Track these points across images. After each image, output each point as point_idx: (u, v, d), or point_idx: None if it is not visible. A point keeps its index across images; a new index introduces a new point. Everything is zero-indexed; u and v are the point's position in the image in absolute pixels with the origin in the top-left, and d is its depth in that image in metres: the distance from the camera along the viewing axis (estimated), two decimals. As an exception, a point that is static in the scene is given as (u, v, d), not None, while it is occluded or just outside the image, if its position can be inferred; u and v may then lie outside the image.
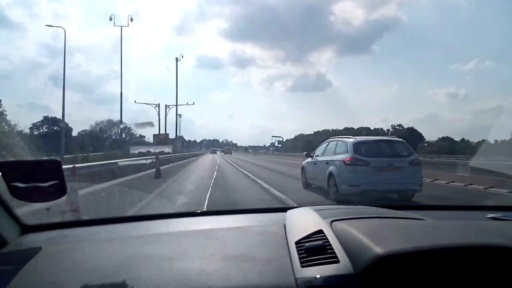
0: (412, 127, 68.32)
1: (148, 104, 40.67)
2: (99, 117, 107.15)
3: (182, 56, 38.92)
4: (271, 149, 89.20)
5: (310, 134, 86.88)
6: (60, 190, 1.27)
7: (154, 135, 37.66)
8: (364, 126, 76.61)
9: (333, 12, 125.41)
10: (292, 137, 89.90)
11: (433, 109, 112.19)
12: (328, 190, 8.34)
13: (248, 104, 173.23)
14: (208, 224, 1.56)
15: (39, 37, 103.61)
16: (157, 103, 36.35)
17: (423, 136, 64.61)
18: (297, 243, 1.09)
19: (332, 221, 1.16)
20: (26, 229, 1.40)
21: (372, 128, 75.31)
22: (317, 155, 9.76)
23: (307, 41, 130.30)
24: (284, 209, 1.59)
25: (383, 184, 7.61)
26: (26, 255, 1.15)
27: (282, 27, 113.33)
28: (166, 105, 38.23)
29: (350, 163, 7.77)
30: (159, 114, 34.80)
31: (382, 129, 73.50)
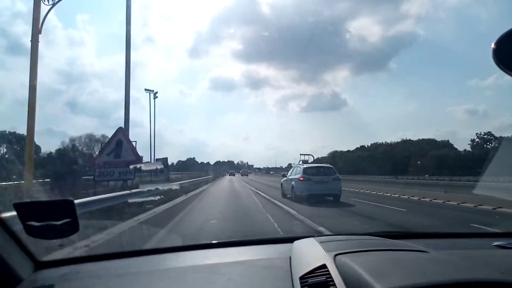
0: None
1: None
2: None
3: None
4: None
5: (350, 150, 72.25)
6: (72, 227, 1.31)
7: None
8: (427, 137, 65.47)
9: (349, 30, 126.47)
10: (324, 155, 77.87)
11: (451, 126, 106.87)
12: (291, 196, 14.66)
13: (263, 125, 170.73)
14: (215, 257, 1.59)
15: (55, 64, 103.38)
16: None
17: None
18: (301, 278, 1.13)
19: (335, 255, 1.18)
20: (40, 265, 1.44)
21: (438, 139, 64.50)
22: (288, 175, 16.24)
23: (322, 60, 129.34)
24: (290, 239, 1.64)
25: (318, 190, 13.92)
26: None
27: (296, 47, 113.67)
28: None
29: (301, 179, 14.20)
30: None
31: (448, 141, 62.94)
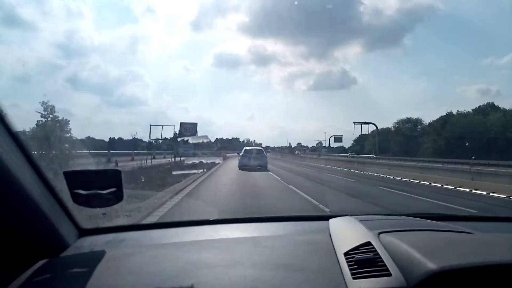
0: None
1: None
2: (118, 120, 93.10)
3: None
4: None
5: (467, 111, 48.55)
6: (117, 197, 1.34)
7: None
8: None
9: (363, 2, 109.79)
10: (389, 125, 61.72)
11: (460, 107, 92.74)
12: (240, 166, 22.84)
13: (268, 104, 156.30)
14: (254, 231, 1.63)
15: (53, 37, 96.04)
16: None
17: None
18: (346, 254, 1.12)
19: (379, 233, 1.17)
20: (83, 232, 1.47)
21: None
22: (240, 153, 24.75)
23: (333, 35, 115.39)
24: (325, 217, 1.64)
25: (253, 162, 21.94)
26: (89, 258, 1.23)
27: (306, 20, 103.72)
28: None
29: (242, 155, 22.71)
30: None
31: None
